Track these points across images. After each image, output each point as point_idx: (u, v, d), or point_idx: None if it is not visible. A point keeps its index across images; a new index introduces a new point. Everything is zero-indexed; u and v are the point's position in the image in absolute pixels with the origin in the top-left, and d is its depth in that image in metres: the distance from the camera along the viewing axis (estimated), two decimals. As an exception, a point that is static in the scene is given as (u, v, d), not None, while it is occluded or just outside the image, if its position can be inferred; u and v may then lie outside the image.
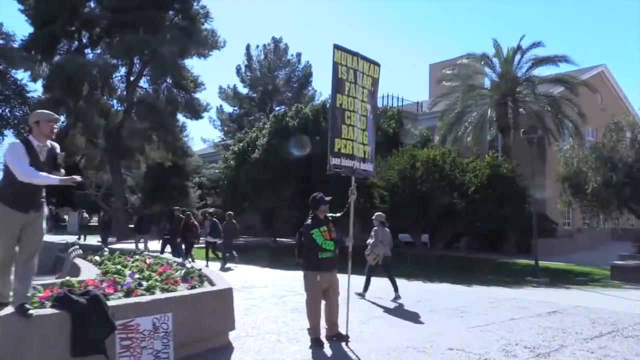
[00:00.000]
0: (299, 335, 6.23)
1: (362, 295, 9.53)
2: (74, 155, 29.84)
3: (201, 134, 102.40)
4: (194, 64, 75.28)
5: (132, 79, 27.37)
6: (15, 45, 24.10)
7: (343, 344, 5.89)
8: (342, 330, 6.13)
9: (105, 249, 10.86)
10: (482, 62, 24.55)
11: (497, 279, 14.48)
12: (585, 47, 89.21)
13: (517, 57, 24.40)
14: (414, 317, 7.77)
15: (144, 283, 5.75)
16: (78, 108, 25.24)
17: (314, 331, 5.91)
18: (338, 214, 6.44)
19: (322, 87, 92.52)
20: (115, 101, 27.61)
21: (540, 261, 19.83)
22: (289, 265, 14.13)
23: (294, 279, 11.85)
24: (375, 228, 9.54)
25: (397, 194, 17.92)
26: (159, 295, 5.25)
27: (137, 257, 8.87)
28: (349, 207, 6.38)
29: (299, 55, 44.65)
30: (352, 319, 7.43)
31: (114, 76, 27.85)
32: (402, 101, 35.21)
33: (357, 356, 5.47)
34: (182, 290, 5.56)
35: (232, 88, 44.34)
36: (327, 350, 5.71)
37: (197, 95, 29.06)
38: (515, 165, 19.54)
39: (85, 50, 26.69)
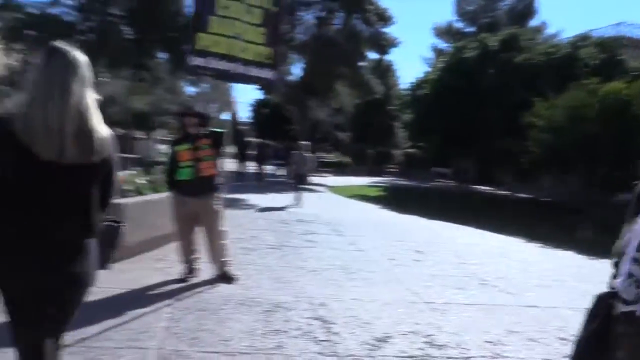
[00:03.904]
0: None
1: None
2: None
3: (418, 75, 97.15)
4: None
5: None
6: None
7: (208, 287, 4.92)
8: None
9: None
10: None
11: None
12: None
13: None
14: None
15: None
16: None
17: (183, 266, 5.12)
18: (221, 130, 5.28)
19: (554, 18, 77.68)
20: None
21: None
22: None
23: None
24: (295, 152, 13.07)
25: (561, 136, 14.29)
26: None
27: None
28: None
29: (524, -19, 38.61)
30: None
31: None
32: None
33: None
34: None
35: (447, 24, 41.31)
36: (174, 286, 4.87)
37: (386, 29, 27.49)
38: None
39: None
